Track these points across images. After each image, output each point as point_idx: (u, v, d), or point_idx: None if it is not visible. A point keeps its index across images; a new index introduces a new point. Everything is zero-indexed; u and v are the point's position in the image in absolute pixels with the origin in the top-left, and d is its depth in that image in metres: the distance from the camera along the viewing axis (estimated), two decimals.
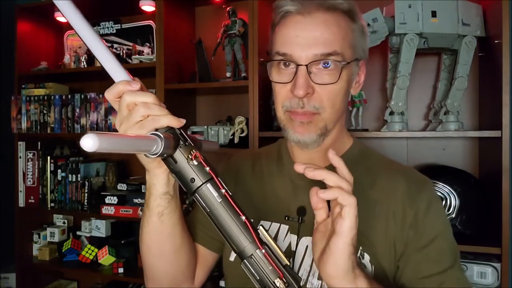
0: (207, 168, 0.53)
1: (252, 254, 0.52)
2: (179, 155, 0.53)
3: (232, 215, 0.53)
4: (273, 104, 0.74)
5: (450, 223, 0.71)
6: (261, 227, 0.54)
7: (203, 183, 0.53)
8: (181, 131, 0.55)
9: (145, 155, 0.51)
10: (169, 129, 0.54)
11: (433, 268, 0.65)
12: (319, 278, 0.67)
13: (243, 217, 0.53)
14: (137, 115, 0.53)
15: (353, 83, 0.71)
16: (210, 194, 0.53)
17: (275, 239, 0.71)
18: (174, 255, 0.71)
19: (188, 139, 0.54)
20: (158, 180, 0.61)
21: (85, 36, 0.53)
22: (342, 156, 0.72)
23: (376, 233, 0.67)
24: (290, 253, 0.70)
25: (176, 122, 0.54)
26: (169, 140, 0.51)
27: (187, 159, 0.53)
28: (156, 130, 0.53)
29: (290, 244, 0.71)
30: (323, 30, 0.63)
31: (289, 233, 0.72)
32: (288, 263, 0.53)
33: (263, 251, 0.52)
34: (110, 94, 0.55)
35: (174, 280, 0.74)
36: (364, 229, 0.66)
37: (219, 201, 0.53)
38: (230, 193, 0.54)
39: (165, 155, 0.52)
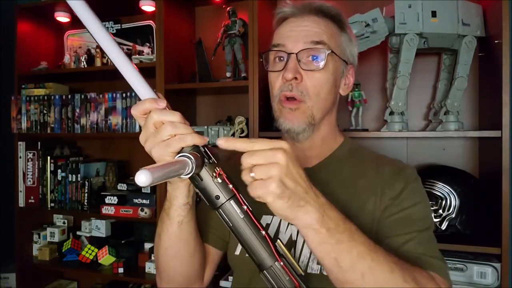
0: (230, 186, 0.56)
1: (271, 266, 0.56)
2: (205, 173, 0.55)
3: (253, 230, 0.56)
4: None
5: (428, 201, 0.76)
6: (278, 240, 0.57)
7: (226, 200, 0.55)
8: (205, 148, 0.57)
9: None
10: (194, 147, 0.56)
11: (400, 229, 0.70)
12: (318, 263, 0.72)
13: (263, 232, 0.56)
14: (164, 134, 0.55)
15: (342, 83, 0.79)
16: (234, 210, 0.56)
17: (277, 231, 0.78)
18: (189, 258, 0.75)
19: (212, 157, 0.57)
20: (180, 192, 0.65)
21: (111, 54, 0.56)
22: (333, 153, 0.82)
23: (364, 222, 0.70)
24: (291, 243, 0.76)
25: (200, 140, 0.56)
26: (197, 160, 0.53)
27: (212, 177, 0.55)
28: (182, 148, 0.55)
29: (291, 235, 0.77)
30: (312, 26, 0.74)
31: (289, 225, 0.77)
32: (302, 273, 0.58)
33: (281, 263, 0.56)
34: (136, 111, 0.57)
35: (189, 279, 0.78)
36: (353, 218, 0.68)
37: (241, 217, 0.56)
38: (251, 209, 0.57)
39: (194, 174, 0.54)
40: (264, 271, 0.56)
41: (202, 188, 0.56)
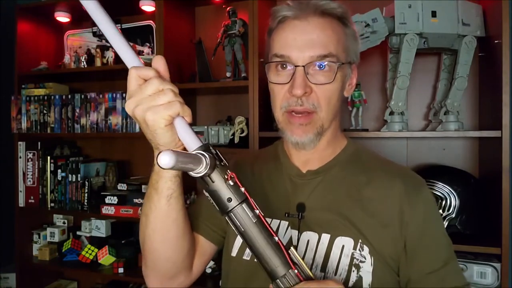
0: (243, 189, 0.54)
1: (285, 274, 0.54)
2: (217, 175, 0.53)
3: (266, 235, 0.54)
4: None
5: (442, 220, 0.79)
6: (292, 248, 0.56)
7: (239, 203, 0.54)
8: (216, 150, 0.56)
9: (188, 173, 0.52)
10: (205, 149, 0.54)
11: (436, 264, 0.71)
12: (322, 270, 0.71)
13: (276, 238, 0.55)
14: (164, 98, 0.54)
15: (346, 85, 0.76)
16: (246, 214, 0.54)
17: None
18: (177, 241, 0.72)
19: (223, 159, 0.55)
20: None
21: (104, 28, 0.53)
22: (337, 156, 0.80)
23: (372, 229, 0.71)
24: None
25: (190, 118, 0.58)
26: (211, 160, 0.52)
27: (224, 179, 0.53)
28: (178, 114, 0.55)
29: (291, 238, 0.74)
30: (319, 33, 0.69)
31: (289, 228, 0.75)
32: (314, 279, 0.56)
33: (296, 271, 0.54)
34: (138, 72, 0.55)
35: (175, 266, 0.75)
36: (360, 224, 0.71)
37: (254, 221, 0.54)
38: (262, 214, 0.56)
39: (206, 174, 0.52)
40: (278, 280, 0.54)
41: (213, 191, 0.54)
